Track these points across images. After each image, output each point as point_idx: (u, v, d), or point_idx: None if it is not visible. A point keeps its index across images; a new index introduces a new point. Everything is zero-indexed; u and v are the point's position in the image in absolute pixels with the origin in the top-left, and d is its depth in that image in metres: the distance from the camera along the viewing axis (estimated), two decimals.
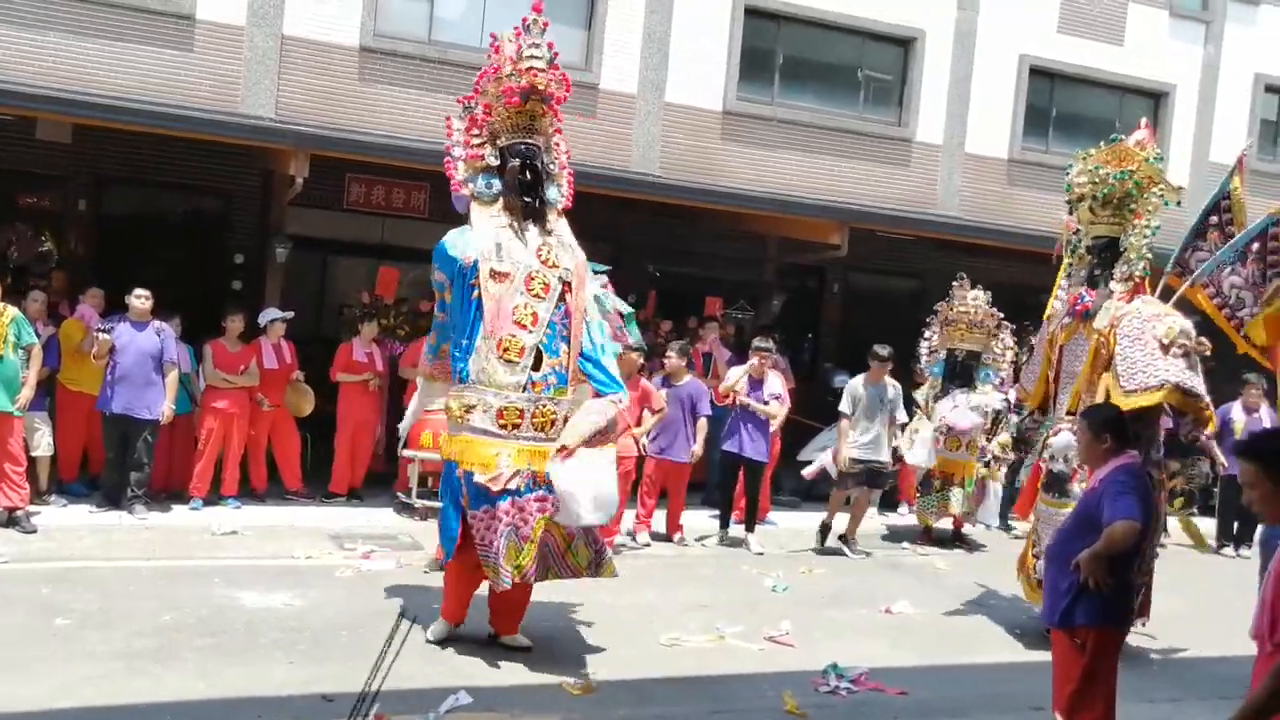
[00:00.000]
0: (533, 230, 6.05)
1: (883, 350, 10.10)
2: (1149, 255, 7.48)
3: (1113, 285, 7.40)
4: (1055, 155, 15.59)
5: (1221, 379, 10.37)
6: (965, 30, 15.70)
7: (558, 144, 6.36)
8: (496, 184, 6.08)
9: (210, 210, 12.80)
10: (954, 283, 10.96)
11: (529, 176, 6.00)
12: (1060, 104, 16.58)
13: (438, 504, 10.12)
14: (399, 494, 10.37)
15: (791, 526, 11.06)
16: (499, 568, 5.77)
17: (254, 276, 12.29)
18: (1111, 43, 16.64)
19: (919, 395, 11.01)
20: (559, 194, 6.27)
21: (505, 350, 5.80)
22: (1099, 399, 6.96)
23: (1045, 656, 5.30)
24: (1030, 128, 16.28)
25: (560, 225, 6.24)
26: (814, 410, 12.18)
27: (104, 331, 8.89)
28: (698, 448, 9.87)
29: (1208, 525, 11.34)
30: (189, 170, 12.07)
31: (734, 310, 14.09)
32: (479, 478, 5.75)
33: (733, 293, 14.35)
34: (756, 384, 9.97)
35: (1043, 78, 16.33)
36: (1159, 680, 6.94)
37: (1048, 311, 8.17)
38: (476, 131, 6.14)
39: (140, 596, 6.85)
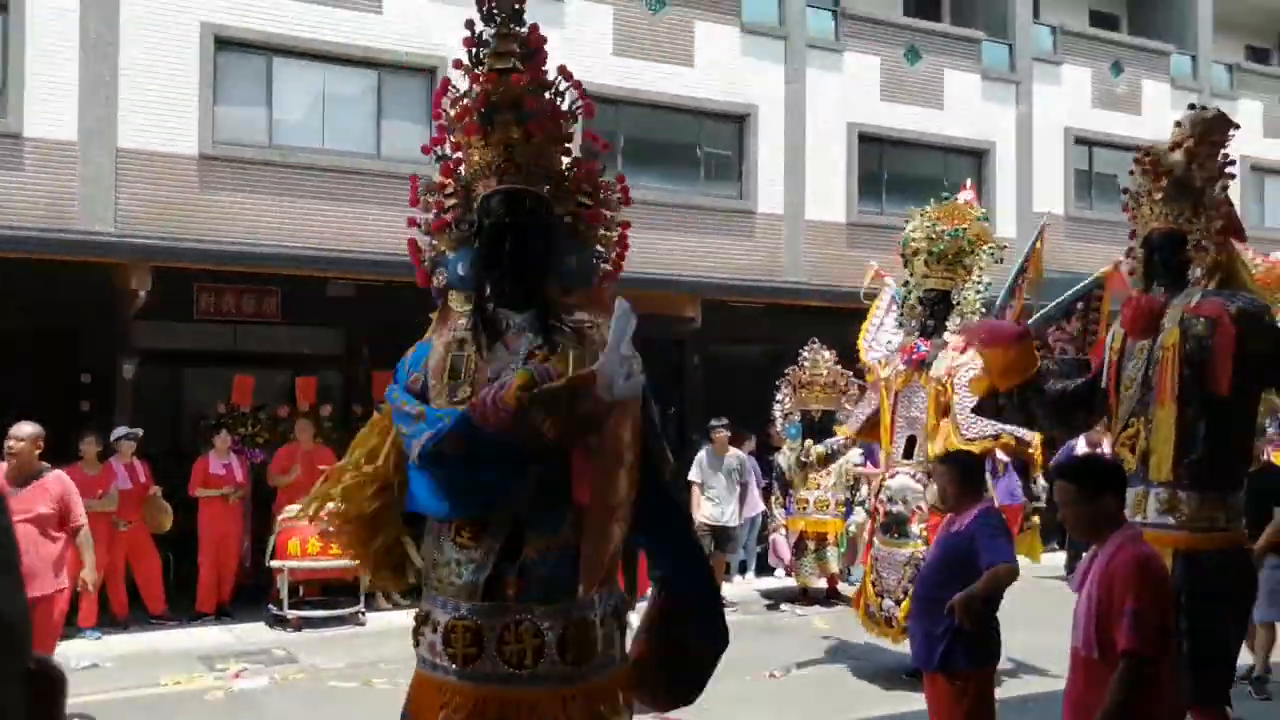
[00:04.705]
0: (523, 327, 3.28)
1: (716, 423, 11.11)
2: (982, 309, 7.99)
3: (947, 336, 7.84)
4: (890, 216, 16.29)
5: None
6: (795, 103, 16.42)
7: (592, 181, 3.51)
8: (469, 263, 3.38)
9: (54, 330, 12.34)
10: (806, 348, 11.33)
11: (512, 243, 3.28)
12: (890, 167, 17.43)
13: (311, 613, 10.01)
14: (270, 606, 10.08)
15: None
16: None
17: (104, 395, 11.88)
18: (932, 106, 17.62)
19: (780, 460, 11.32)
20: (585, 263, 3.48)
21: (459, 528, 3.17)
22: (939, 444, 7.32)
23: (918, 704, 5.45)
24: (864, 191, 17.05)
25: (587, 314, 3.38)
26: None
27: None
28: None
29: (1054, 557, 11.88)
30: (28, 291, 11.64)
31: None
32: None
33: None
34: None
35: (872, 143, 17.16)
36: (1029, 714, 7.19)
37: (863, 354, 8.61)
38: (449, 189, 3.47)
39: None
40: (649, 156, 15.52)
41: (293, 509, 10.00)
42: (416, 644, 3.26)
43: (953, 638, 4.85)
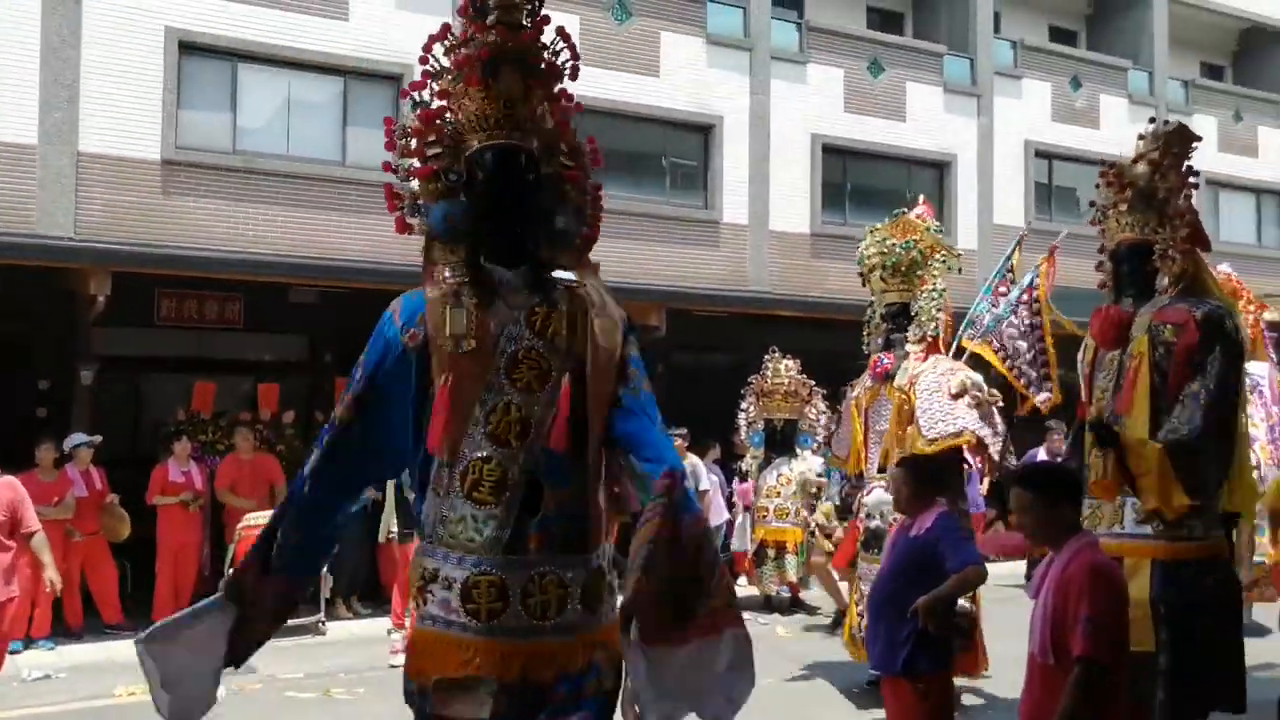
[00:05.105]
0: (517, 284, 3.34)
1: (675, 431, 10.79)
2: (939, 316, 8.09)
3: (908, 347, 7.92)
4: (853, 227, 16.39)
5: (1026, 426, 11.06)
6: (759, 114, 16.52)
7: (570, 141, 3.54)
8: (458, 216, 3.35)
9: (11, 335, 12.20)
10: (766, 356, 11.41)
11: (508, 200, 3.33)
12: (853, 178, 17.58)
13: None
14: None
15: None
16: None
17: (61, 402, 11.74)
18: (895, 119, 17.79)
19: (744, 466, 11.41)
20: (571, 223, 3.48)
21: (475, 485, 3.18)
22: (907, 452, 7.37)
23: (881, 713, 5.48)
24: (828, 202, 17.18)
25: (574, 274, 3.47)
26: None
27: None
28: None
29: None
30: None
31: None
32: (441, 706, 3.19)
33: None
34: None
35: (835, 154, 17.30)
36: (987, 719, 7.28)
37: None
38: (432, 137, 3.40)
39: None
40: (614, 166, 15.51)
41: (253, 517, 9.94)
42: (424, 602, 3.24)
43: (916, 641, 4.85)
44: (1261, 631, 8.86)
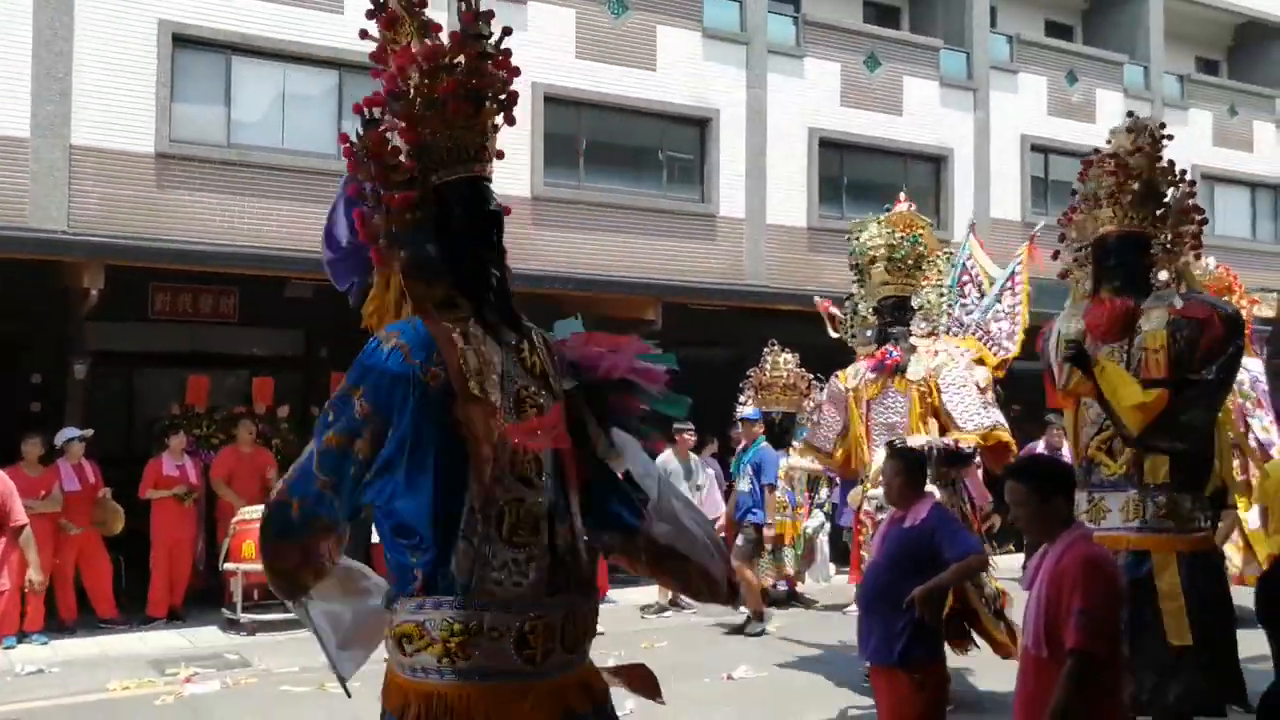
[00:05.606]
0: (499, 321, 3.26)
1: (680, 426, 10.95)
2: (950, 310, 8.14)
3: (914, 340, 7.91)
4: (850, 220, 16.37)
5: (1025, 419, 11.08)
6: (756, 108, 16.49)
7: None
8: (434, 249, 3.24)
9: (4, 331, 12.18)
10: (765, 349, 11.39)
11: (495, 235, 3.28)
12: (850, 172, 17.55)
13: (266, 616, 9.89)
14: (224, 609, 9.97)
15: (632, 601, 11.12)
16: None
17: (54, 396, 11.71)
18: (892, 113, 17.77)
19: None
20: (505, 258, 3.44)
21: (514, 528, 3.12)
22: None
23: (873, 705, 5.47)
24: (825, 196, 17.16)
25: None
26: None
27: None
28: None
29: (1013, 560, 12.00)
30: None
31: None
32: None
33: None
34: None
35: (832, 148, 17.27)
36: (981, 712, 7.25)
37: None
38: (394, 162, 3.25)
39: None
40: (611, 159, 15.53)
41: (248, 511, 9.93)
42: (466, 657, 3.00)
43: (913, 633, 4.84)
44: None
